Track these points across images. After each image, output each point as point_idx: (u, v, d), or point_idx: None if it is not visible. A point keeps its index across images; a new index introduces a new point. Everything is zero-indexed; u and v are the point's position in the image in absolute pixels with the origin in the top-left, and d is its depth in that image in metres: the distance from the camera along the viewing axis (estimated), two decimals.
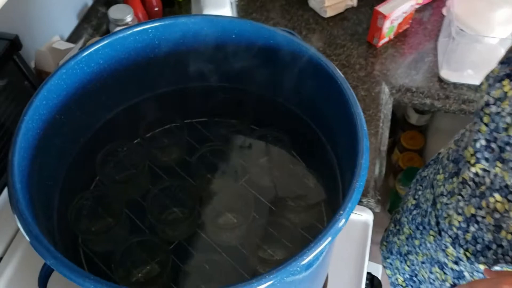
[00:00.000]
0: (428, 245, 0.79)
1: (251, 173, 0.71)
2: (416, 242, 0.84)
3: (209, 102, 0.73)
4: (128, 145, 0.71)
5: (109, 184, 0.68)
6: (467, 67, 1.02)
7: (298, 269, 0.46)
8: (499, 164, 0.61)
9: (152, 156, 0.73)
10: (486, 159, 0.63)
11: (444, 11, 1.15)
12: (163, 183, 0.67)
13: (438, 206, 0.75)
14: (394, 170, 1.68)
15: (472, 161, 0.65)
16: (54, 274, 0.50)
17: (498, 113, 0.58)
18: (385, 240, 0.97)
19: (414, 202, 0.85)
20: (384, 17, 1.02)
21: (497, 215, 0.64)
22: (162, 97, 0.74)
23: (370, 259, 0.81)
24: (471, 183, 0.67)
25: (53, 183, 0.63)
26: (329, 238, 0.48)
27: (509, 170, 0.60)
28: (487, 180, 0.64)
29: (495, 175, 0.62)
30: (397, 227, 0.91)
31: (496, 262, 0.66)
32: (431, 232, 0.77)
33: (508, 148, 0.59)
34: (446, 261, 0.75)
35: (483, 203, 0.65)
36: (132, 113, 0.73)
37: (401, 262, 0.92)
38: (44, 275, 0.51)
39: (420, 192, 0.84)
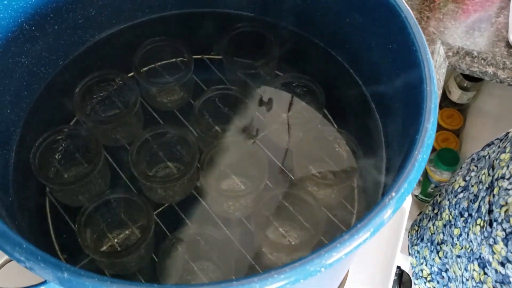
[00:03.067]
0: (472, 236, 0.64)
1: (269, 130, 0.56)
2: (456, 231, 0.70)
3: (226, 35, 0.58)
4: (119, 76, 0.56)
5: (90, 123, 0.54)
6: None
7: (322, 269, 0.32)
8: None
9: (148, 94, 0.58)
10: None
11: None
12: (157, 128, 0.53)
13: (496, 191, 0.59)
14: None
15: None
16: None
17: None
18: (417, 224, 0.83)
19: (463, 184, 0.69)
20: None
21: None
22: (169, 20, 0.58)
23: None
24: None
25: (14, 116, 0.49)
26: (371, 230, 0.33)
27: None
28: None
29: None
30: (436, 210, 0.76)
31: None
32: (479, 221, 0.62)
33: None
34: (491, 259, 0.60)
35: None
36: (129, 37, 0.58)
37: (432, 251, 0.78)
38: None
39: (473, 174, 0.68)
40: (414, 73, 0.41)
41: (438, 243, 0.75)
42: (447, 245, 0.73)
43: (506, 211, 0.56)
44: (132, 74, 0.58)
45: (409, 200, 0.68)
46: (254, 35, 0.57)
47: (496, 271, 0.61)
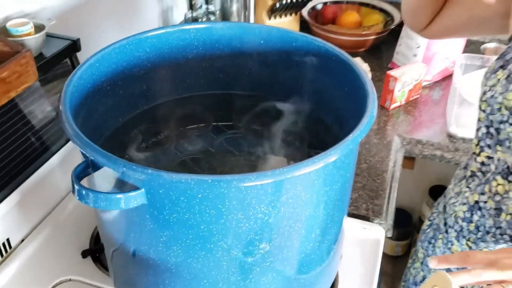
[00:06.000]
0: (437, 251, 0.79)
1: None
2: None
3: (234, 109, 0.82)
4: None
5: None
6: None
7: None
8: (499, 148, 0.66)
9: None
10: (489, 146, 0.68)
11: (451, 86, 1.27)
12: None
13: (447, 209, 0.77)
14: None
15: (477, 151, 0.70)
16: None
17: (492, 96, 0.65)
18: (403, 281, 0.95)
19: (428, 222, 0.86)
20: (395, 79, 1.13)
21: (497, 198, 0.66)
22: (193, 100, 0.83)
23: None
24: (479, 173, 0.70)
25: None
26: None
27: (507, 151, 0.64)
28: (492, 167, 0.68)
29: (498, 159, 0.66)
30: (413, 257, 0.91)
31: (496, 243, 0.67)
32: (440, 236, 0.78)
33: (502, 126, 0.64)
34: None
35: (486, 188, 0.68)
36: (164, 111, 0.81)
37: None
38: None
39: (435, 215, 0.85)
40: (363, 98, 0.64)
41: (420, 281, 0.88)
42: (428, 278, 0.86)
43: (455, 215, 0.74)
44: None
45: (382, 233, 0.85)
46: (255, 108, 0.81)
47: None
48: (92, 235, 0.83)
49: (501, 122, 0.65)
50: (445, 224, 0.78)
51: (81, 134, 0.53)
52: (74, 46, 0.84)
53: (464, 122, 1.08)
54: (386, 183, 0.95)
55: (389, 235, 0.88)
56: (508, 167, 0.65)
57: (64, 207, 0.88)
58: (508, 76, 0.64)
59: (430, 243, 0.84)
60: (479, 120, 0.69)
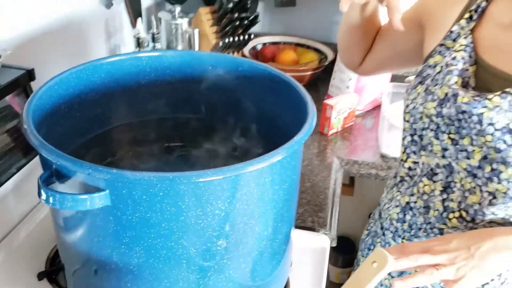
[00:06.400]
0: None
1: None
2: None
3: (185, 131, 0.88)
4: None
5: None
6: None
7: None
8: (423, 153, 0.75)
9: None
10: (414, 152, 0.77)
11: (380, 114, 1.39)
12: None
13: (382, 214, 0.85)
14: None
15: (404, 158, 0.79)
16: None
17: (414, 107, 0.75)
18: None
19: (366, 232, 0.94)
20: (331, 107, 1.24)
21: (425, 197, 0.75)
22: (147, 122, 0.87)
23: None
24: (407, 178, 0.79)
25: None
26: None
27: (430, 155, 0.74)
28: (418, 170, 0.77)
29: (423, 163, 0.76)
30: (355, 268, 0.98)
31: (427, 237, 0.75)
32: (378, 240, 0.86)
33: (424, 133, 0.74)
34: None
35: (415, 190, 0.77)
36: (119, 133, 0.85)
37: None
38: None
39: (372, 223, 0.93)
40: (304, 110, 0.72)
41: None
42: None
43: (390, 218, 0.82)
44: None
45: (327, 242, 0.91)
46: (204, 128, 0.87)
47: None
48: (48, 257, 0.83)
49: (423, 129, 0.74)
50: (382, 228, 0.86)
51: (46, 143, 0.57)
52: (29, 75, 0.87)
53: (394, 143, 1.20)
54: (328, 198, 1.03)
55: (334, 244, 0.94)
56: (431, 169, 0.74)
57: (17, 233, 0.88)
58: (426, 89, 0.74)
59: (369, 249, 0.91)
60: (404, 130, 0.79)
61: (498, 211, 0.67)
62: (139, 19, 1.31)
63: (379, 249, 0.59)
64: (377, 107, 1.43)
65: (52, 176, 0.58)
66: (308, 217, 0.97)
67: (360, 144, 1.26)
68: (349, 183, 1.63)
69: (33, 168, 0.92)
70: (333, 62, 1.48)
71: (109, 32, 1.31)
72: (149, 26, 1.43)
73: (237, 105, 0.86)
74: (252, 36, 1.56)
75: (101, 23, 1.26)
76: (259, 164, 0.57)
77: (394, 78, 1.50)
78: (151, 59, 0.84)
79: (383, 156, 1.20)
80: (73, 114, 0.77)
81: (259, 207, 0.62)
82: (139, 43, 1.31)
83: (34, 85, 0.89)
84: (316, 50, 1.64)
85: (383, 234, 0.85)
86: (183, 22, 1.43)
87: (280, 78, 0.78)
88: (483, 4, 0.73)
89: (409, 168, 0.79)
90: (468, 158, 0.68)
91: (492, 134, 0.64)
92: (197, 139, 0.87)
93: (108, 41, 1.31)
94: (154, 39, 1.34)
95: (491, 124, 0.64)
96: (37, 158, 0.88)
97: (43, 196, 0.54)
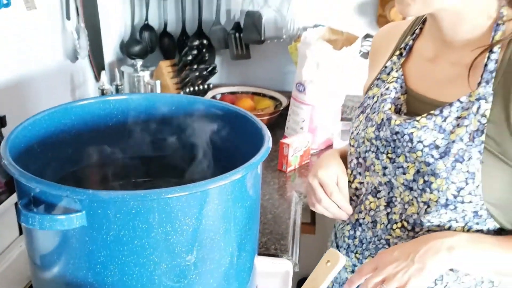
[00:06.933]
0: None
1: None
2: None
3: (150, 167, 0.94)
4: None
5: None
6: None
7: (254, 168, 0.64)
8: (367, 173, 0.84)
9: None
10: (359, 173, 0.86)
11: None
12: None
13: (338, 234, 0.93)
14: None
15: (352, 179, 0.87)
16: None
17: (357, 133, 0.85)
18: None
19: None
20: (288, 145, 1.33)
21: (372, 213, 0.84)
22: (115, 161, 0.93)
23: None
24: (354, 197, 0.88)
25: None
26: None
27: (373, 174, 0.83)
28: (363, 190, 0.85)
29: (367, 182, 0.84)
30: None
31: (376, 249, 0.82)
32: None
33: (367, 155, 0.83)
34: (347, 275, 0.89)
35: (362, 207, 0.85)
36: (90, 171, 0.91)
37: None
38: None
39: (329, 244, 1.00)
40: (260, 139, 0.80)
41: None
42: None
43: (342, 236, 0.89)
44: None
45: (290, 266, 0.97)
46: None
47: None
48: None
49: (366, 151, 0.83)
50: (337, 246, 0.93)
51: (25, 172, 0.62)
52: (0, 121, 0.92)
53: None
54: (289, 227, 1.10)
55: (296, 269, 1.00)
56: (375, 187, 0.83)
57: None
58: (366, 116, 0.84)
59: None
60: (350, 154, 0.88)
61: (433, 219, 0.76)
62: (103, 72, 1.39)
63: (331, 249, 0.66)
64: (330, 146, 1.53)
65: (30, 203, 0.63)
66: (271, 245, 1.03)
67: None
68: (311, 221, 1.70)
69: (2, 213, 0.95)
70: (287, 107, 1.59)
71: (75, 85, 1.38)
72: (112, 79, 1.51)
73: (199, 141, 0.94)
74: (211, 86, 1.67)
75: (67, 76, 1.33)
76: (221, 181, 0.64)
77: (343, 118, 1.62)
78: (118, 102, 0.91)
79: None
80: (46, 154, 0.82)
81: (224, 224, 0.68)
82: (103, 94, 1.38)
83: (5, 131, 0.94)
84: (272, 98, 1.75)
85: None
86: (145, 75, 1.52)
87: (237, 113, 0.87)
88: (410, 42, 0.85)
89: (356, 188, 0.87)
90: (404, 173, 0.77)
91: (421, 150, 0.74)
92: (163, 174, 0.93)
93: (73, 93, 1.37)
94: (117, 90, 1.42)
95: (420, 141, 0.74)
96: (5, 202, 0.93)
97: (23, 217, 0.59)
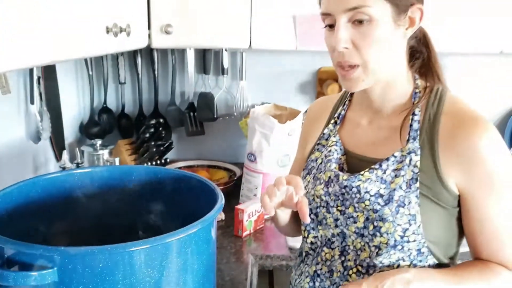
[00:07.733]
0: None
1: None
2: None
3: (115, 233, 1.00)
4: None
5: None
6: None
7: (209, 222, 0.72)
8: (320, 227, 0.94)
9: None
10: (313, 228, 0.96)
11: None
12: None
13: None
14: None
15: (306, 234, 0.97)
16: None
17: (307, 192, 0.96)
18: None
19: None
20: (242, 211, 1.42)
21: (328, 263, 0.93)
22: (83, 229, 0.99)
23: None
24: (311, 251, 0.97)
25: None
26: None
27: (326, 227, 0.93)
28: (318, 243, 0.95)
29: (321, 236, 0.94)
30: None
31: None
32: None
33: (318, 210, 0.94)
34: None
35: (319, 259, 0.94)
36: (57, 241, 0.96)
37: None
38: None
39: None
40: (214, 199, 0.90)
41: None
42: None
43: None
44: None
45: None
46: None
47: None
48: None
49: (317, 207, 0.94)
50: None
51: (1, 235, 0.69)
52: None
53: (298, 238, 1.38)
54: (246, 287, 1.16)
55: None
56: (329, 239, 0.93)
57: None
58: (314, 177, 0.96)
59: None
60: None
61: (384, 260, 0.86)
62: (64, 152, 1.47)
63: None
64: None
65: (4, 265, 0.69)
66: None
67: (271, 241, 1.43)
68: (268, 283, 1.75)
69: None
70: (240, 177, 1.70)
71: (37, 165, 1.44)
72: (73, 157, 1.58)
73: (161, 206, 1.02)
74: (168, 160, 1.76)
75: (30, 157, 1.40)
76: (180, 234, 0.72)
77: None
78: (82, 174, 1.00)
79: (290, 249, 1.37)
80: (15, 223, 0.88)
81: (183, 275, 0.76)
82: None
83: None
84: (226, 169, 1.86)
85: None
86: (104, 153, 1.61)
87: (194, 178, 0.97)
88: (342, 112, 0.99)
89: (311, 243, 0.97)
90: (355, 222, 0.88)
91: (369, 199, 0.86)
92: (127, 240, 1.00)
93: (36, 172, 1.43)
94: (78, 166, 1.49)
95: (366, 192, 0.86)
96: None
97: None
